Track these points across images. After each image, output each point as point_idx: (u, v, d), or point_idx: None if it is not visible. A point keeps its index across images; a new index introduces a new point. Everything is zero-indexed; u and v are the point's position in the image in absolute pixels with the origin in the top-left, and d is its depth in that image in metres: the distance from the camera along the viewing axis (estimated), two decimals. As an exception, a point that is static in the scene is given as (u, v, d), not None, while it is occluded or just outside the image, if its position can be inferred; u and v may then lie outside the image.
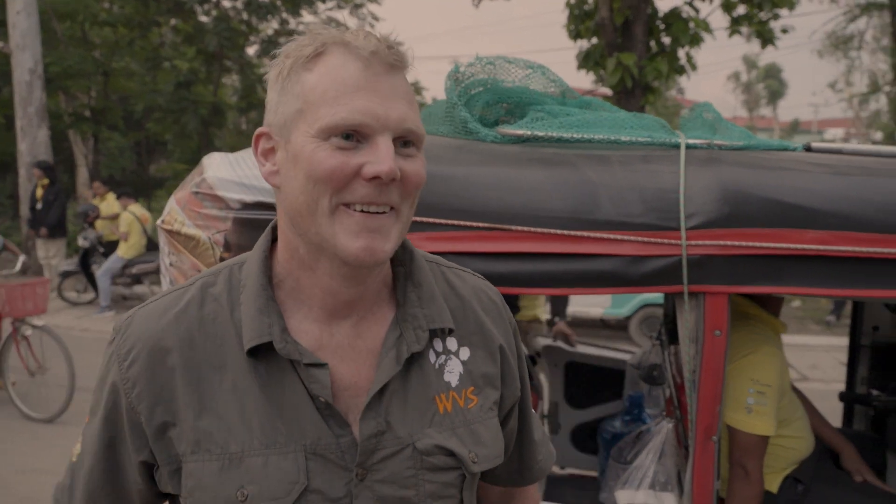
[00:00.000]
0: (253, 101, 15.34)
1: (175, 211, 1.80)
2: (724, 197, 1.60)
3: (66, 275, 9.09)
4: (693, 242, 1.59)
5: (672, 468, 1.93)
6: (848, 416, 2.71)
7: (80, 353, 5.23)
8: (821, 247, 1.57)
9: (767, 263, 1.60)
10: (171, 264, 1.83)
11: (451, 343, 0.95)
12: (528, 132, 1.87)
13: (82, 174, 15.41)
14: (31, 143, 11.04)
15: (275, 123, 0.86)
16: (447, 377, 0.93)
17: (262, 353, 0.86)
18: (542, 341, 3.05)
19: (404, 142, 0.84)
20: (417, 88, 15.28)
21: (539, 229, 1.61)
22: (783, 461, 2.02)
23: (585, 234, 1.61)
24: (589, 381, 3.01)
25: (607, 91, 7.91)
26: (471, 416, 0.93)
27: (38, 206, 9.29)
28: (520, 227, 1.62)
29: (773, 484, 2.02)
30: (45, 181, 9.25)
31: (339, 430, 0.85)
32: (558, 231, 1.61)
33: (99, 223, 9.06)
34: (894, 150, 1.95)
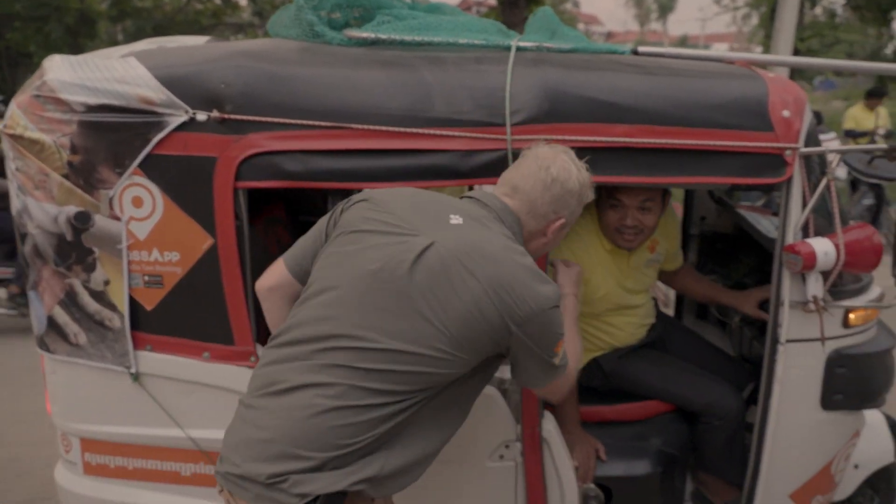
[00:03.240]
0: (126, 9, 14.30)
1: (17, 115, 1.79)
2: (545, 95, 1.76)
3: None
4: (517, 137, 1.75)
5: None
6: (679, 298, 3.05)
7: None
8: (627, 139, 1.77)
9: (582, 155, 1.78)
10: (17, 169, 1.83)
11: None
12: (373, 35, 1.95)
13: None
14: None
15: None
16: None
17: None
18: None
19: None
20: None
21: (377, 127, 1.73)
22: (596, 344, 2.34)
23: (420, 130, 1.74)
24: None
25: (492, 1, 7.92)
26: None
27: None
28: (359, 125, 1.73)
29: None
30: None
31: None
32: (395, 128, 1.73)
33: None
34: (709, 54, 2.16)
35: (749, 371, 2.44)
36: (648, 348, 2.39)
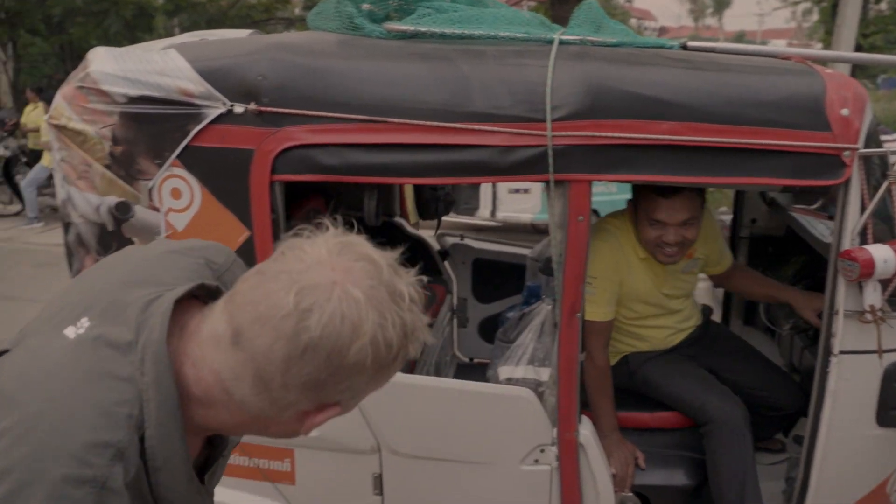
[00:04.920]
0: (181, 4, 14.59)
1: (62, 106, 1.81)
2: (587, 90, 1.70)
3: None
4: (558, 133, 1.69)
5: (550, 345, 2.10)
6: (727, 303, 2.95)
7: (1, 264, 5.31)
8: (672, 137, 1.70)
9: (625, 153, 1.72)
10: (61, 159, 1.86)
11: None
12: (412, 28, 1.92)
13: (3, 81, 14.61)
14: (-59, 46, 10.38)
15: None
16: None
17: None
18: (451, 239, 3.18)
19: None
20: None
21: (414, 121, 1.70)
22: (627, 343, 2.30)
23: (458, 125, 1.70)
24: (495, 276, 3.17)
25: (543, -4, 7.83)
26: None
27: None
28: (396, 120, 1.70)
29: (612, 357, 2.31)
30: None
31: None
32: (432, 123, 1.70)
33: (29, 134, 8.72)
34: (762, 49, 2.07)
35: (798, 383, 2.34)
36: (677, 354, 2.32)
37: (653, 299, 2.23)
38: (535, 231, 8.54)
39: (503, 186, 7.38)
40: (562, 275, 1.80)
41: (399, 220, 3.09)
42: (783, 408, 2.28)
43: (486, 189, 7.48)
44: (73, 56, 19.10)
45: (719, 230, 2.45)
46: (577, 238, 1.77)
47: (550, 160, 1.70)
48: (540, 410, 1.87)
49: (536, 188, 7.42)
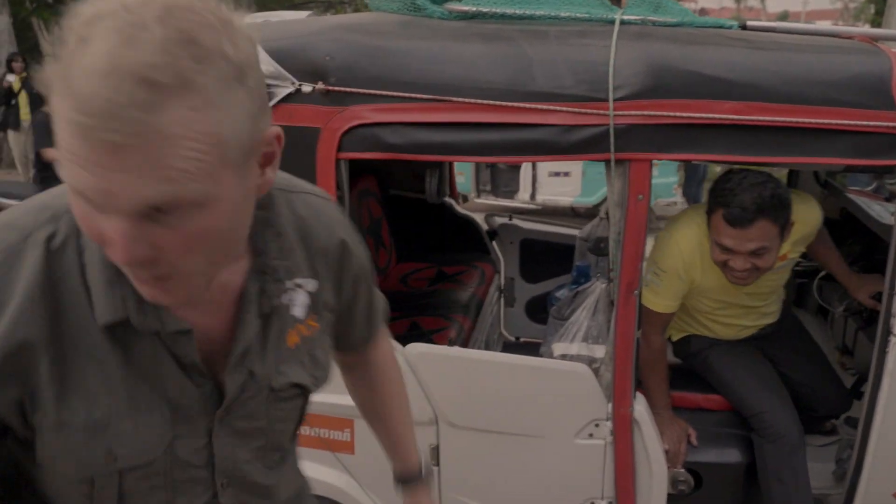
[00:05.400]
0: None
1: None
2: (650, 70, 1.71)
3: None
4: (620, 112, 1.71)
5: (604, 323, 2.13)
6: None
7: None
8: (735, 116, 1.71)
9: (686, 132, 1.73)
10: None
11: (300, 277, 0.91)
12: (473, 8, 1.95)
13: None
14: (-8, 30, 10.66)
15: None
16: (294, 311, 0.91)
17: (119, 326, 0.77)
18: (499, 220, 3.21)
19: (157, 212, 0.63)
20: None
21: (476, 100, 1.73)
22: (694, 327, 2.28)
23: (520, 105, 1.73)
24: (542, 257, 3.20)
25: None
26: (311, 342, 0.94)
27: (14, 100, 9.10)
28: (459, 99, 1.73)
29: (674, 335, 2.33)
30: (24, 74, 9.05)
31: (200, 380, 0.84)
32: (494, 102, 1.73)
33: None
34: (822, 28, 2.06)
35: (850, 366, 2.34)
36: (745, 344, 2.29)
37: (729, 298, 2.15)
38: (575, 214, 8.53)
39: (543, 169, 7.36)
40: (620, 253, 1.82)
41: (449, 199, 3.12)
42: (821, 413, 2.30)
43: (525, 172, 7.47)
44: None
45: (819, 219, 2.17)
46: (636, 217, 1.79)
47: (612, 139, 1.72)
48: (595, 386, 1.90)
49: (576, 171, 7.39)
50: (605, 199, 6.79)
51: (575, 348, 2.10)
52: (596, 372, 1.92)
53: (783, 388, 2.19)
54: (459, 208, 3.16)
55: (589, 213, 8.26)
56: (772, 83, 1.70)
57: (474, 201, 7.63)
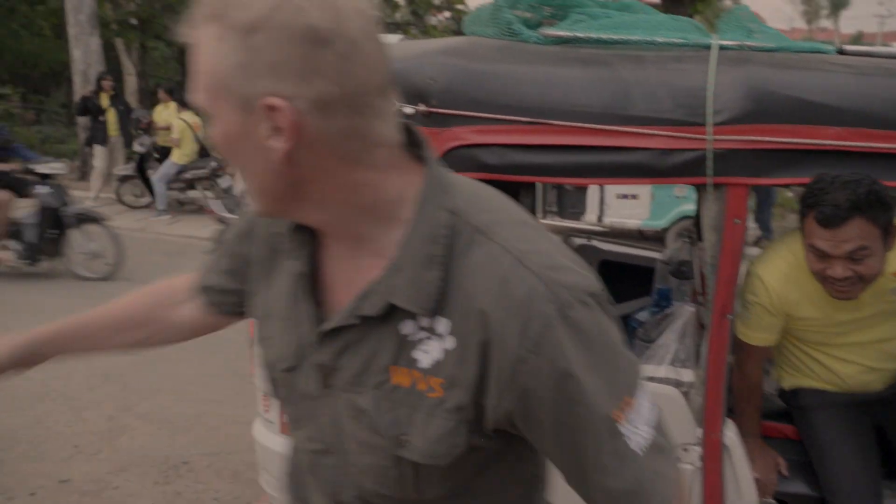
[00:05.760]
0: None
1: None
2: (750, 94, 1.72)
3: (123, 179, 9.48)
4: (719, 137, 1.72)
5: (692, 347, 2.13)
6: None
7: (135, 251, 6.01)
8: (839, 142, 1.69)
9: (787, 157, 1.72)
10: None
11: (440, 325, 0.81)
12: (569, 33, 1.99)
13: (130, 83, 15.66)
14: (85, 50, 11.27)
15: None
16: (417, 355, 0.82)
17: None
18: (577, 240, 3.22)
19: None
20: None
21: (574, 123, 1.76)
22: (809, 372, 2.12)
23: (617, 128, 1.75)
24: (621, 279, 3.19)
25: (655, -1, 7.71)
26: (426, 404, 0.83)
27: (102, 117, 9.58)
28: (557, 122, 1.77)
29: (786, 382, 2.21)
30: (112, 93, 9.54)
31: (317, 329, 0.88)
32: (592, 125, 1.76)
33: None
34: (927, 54, 2.02)
35: None
36: (859, 419, 2.07)
37: (837, 327, 1.99)
38: (642, 237, 8.43)
39: (611, 191, 7.33)
40: (714, 276, 1.82)
41: (529, 220, 3.15)
42: None
43: (593, 193, 7.45)
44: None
45: None
46: (732, 241, 1.78)
47: (710, 163, 1.73)
48: (685, 409, 1.89)
49: (645, 194, 7.33)
50: (675, 223, 6.79)
51: (662, 371, 2.09)
52: (685, 395, 1.92)
53: (882, 481, 2.02)
54: (539, 228, 3.18)
55: (656, 237, 8.17)
56: (877, 108, 1.69)
57: (540, 222, 7.63)
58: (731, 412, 2.00)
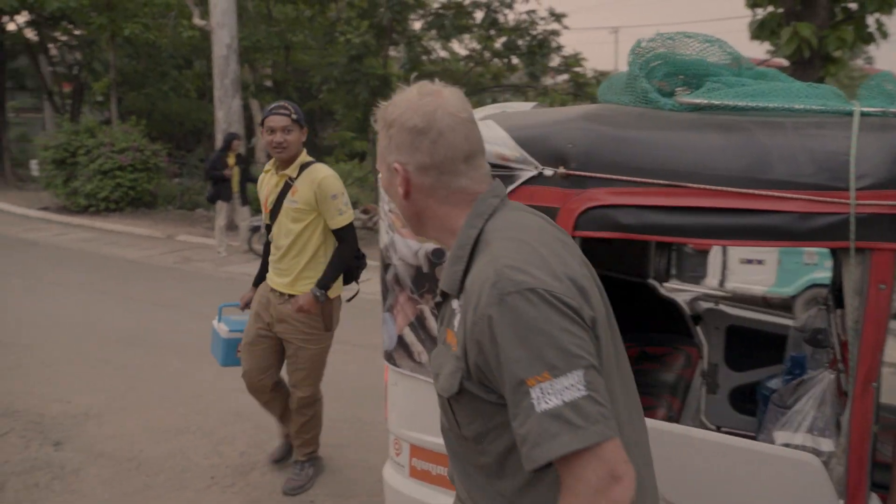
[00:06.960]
0: (420, 72, 15.97)
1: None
2: (895, 160, 1.71)
3: (255, 230, 10.13)
4: (863, 202, 1.72)
5: (831, 416, 2.07)
6: None
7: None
8: None
9: (939, 226, 1.69)
10: (389, 210, 2.21)
11: (457, 305, 1.25)
12: (704, 100, 2.05)
13: (262, 141, 16.86)
14: (227, 111, 12.31)
15: None
16: (454, 322, 1.25)
17: None
18: (704, 304, 3.19)
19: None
20: (577, 59, 15.24)
21: (712, 186, 1.81)
22: None
23: (756, 191, 1.79)
24: (750, 345, 3.12)
25: (783, 62, 7.58)
26: (450, 354, 1.26)
27: (228, 173, 10.30)
28: (694, 184, 1.83)
29: None
30: (238, 151, 10.28)
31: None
32: (730, 189, 1.80)
33: None
34: None
35: None
36: None
37: None
38: (766, 305, 8.09)
39: (734, 256, 7.13)
40: (857, 342, 1.79)
41: (652, 282, 3.17)
42: None
43: (715, 257, 7.27)
44: (319, 119, 21.49)
45: None
46: (877, 306, 1.75)
47: (852, 227, 1.72)
48: (825, 479, 1.84)
49: (772, 260, 7.07)
50: (804, 290, 6.49)
51: (799, 438, 2.04)
52: (825, 465, 1.86)
53: None
54: (662, 290, 3.19)
55: (783, 305, 7.82)
56: None
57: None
58: (875, 486, 1.92)
